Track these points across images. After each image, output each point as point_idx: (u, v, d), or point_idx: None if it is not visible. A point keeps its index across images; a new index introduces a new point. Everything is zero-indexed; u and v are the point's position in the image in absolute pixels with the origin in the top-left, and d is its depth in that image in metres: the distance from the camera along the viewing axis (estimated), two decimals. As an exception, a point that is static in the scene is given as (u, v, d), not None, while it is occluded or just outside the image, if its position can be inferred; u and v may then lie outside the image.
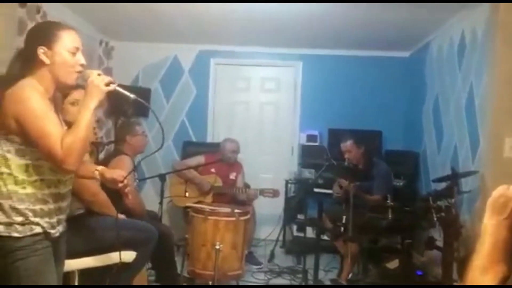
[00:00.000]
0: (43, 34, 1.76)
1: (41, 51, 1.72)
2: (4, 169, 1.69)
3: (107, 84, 1.77)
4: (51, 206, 1.77)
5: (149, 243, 2.78)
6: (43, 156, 1.69)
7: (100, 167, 2.17)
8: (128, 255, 2.64)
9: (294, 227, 5.22)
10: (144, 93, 5.58)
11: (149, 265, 3.42)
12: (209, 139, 5.75)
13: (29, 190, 1.71)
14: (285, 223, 5.17)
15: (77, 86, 2.52)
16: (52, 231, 1.78)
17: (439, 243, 3.39)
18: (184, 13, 4.33)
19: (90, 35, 5.08)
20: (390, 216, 3.41)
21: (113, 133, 5.18)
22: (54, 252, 1.84)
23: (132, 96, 1.84)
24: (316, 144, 5.39)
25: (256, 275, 4.31)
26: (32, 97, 1.65)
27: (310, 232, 4.64)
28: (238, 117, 5.86)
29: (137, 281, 2.93)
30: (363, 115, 5.50)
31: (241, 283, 3.79)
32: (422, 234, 3.81)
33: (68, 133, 1.67)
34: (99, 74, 1.77)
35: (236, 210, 3.44)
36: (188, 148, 5.47)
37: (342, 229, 3.65)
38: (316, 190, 4.81)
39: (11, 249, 1.69)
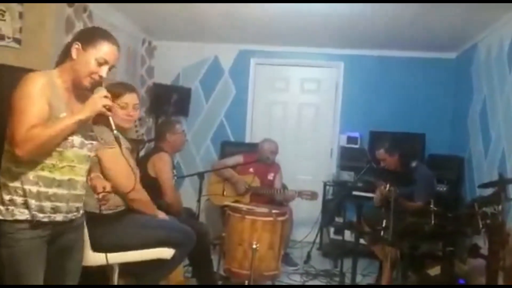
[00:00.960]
0: (86, 35, 1.88)
1: (75, 46, 1.82)
2: (7, 147, 1.77)
3: (106, 107, 1.80)
4: (42, 189, 1.79)
5: (186, 244, 2.80)
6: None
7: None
8: (167, 252, 2.68)
9: (332, 230, 5.14)
10: (185, 92, 5.66)
11: (186, 261, 3.45)
12: (247, 139, 5.75)
13: (22, 169, 1.76)
14: (323, 226, 5.11)
15: (128, 90, 2.62)
16: (41, 215, 1.79)
17: (484, 251, 3.25)
18: (225, 14, 4.35)
19: (133, 35, 5.19)
20: (432, 221, 3.29)
21: (154, 131, 5.26)
22: (58, 243, 1.88)
23: (115, 131, 1.87)
24: (357, 146, 5.29)
25: (292, 277, 4.27)
26: (30, 81, 1.73)
27: (348, 235, 4.57)
28: (277, 117, 5.83)
29: (173, 276, 2.97)
30: (406, 118, 5.35)
31: (276, 283, 3.76)
32: (465, 241, 3.67)
33: (41, 125, 1.70)
34: (105, 96, 1.81)
35: (274, 211, 3.42)
36: (227, 148, 5.48)
37: (381, 233, 3.56)
38: (355, 193, 4.72)
39: None
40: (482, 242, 3.35)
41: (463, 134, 4.88)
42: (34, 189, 1.77)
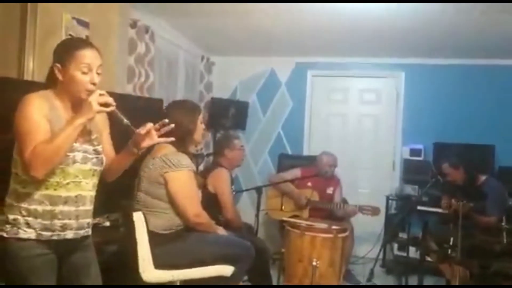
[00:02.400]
0: (60, 52, 1.84)
1: (56, 68, 1.81)
2: (14, 170, 1.81)
3: (104, 104, 1.79)
4: (47, 208, 1.79)
5: (246, 260, 2.80)
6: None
7: None
8: (227, 269, 2.68)
9: (396, 246, 4.96)
10: (242, 106, 5.71)
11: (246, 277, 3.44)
12: (305, 152, 5.70)
13: (28, 189, 1.77)
14: (386, 242, 4.94)
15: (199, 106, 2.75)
16: (46, 233, 1.79)
17: None
18: (281, 27, 4.36)
19: (192, 52, 5.32)
20: (505, 239, 3.10)
21: (212, 145, 5.34)
22: (69, 261, 1.88)
23: (125, 120, 1.85)
24: (420, 158, 5.10)
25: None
26: (29, 103, 1.73)
27: (412, 252, 4.38)
28: (336, 129, 5.74)
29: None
30: (473, 128, 5.09)
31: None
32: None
33: (43, 141, 1.70)
34: (101, 94, 1.79)
35: (334, 227, 3.36)
36: (284, 161, 5.45)
37: (449, 251, 3.39)
38: (420, 208, 4.53)
39: (2, 249, 1.77)
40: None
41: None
42: (40, 208, 1.78)
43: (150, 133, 1.92)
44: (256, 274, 3.33)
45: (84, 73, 1.80)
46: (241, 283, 3.18)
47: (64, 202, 1.83)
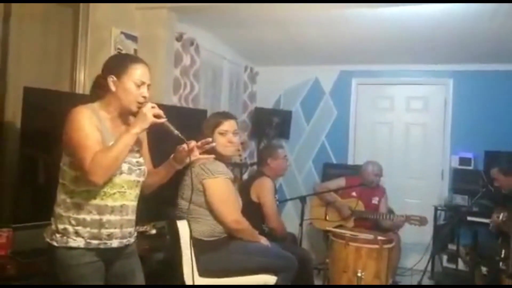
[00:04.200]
0: (115, 65, 1.93)
1: (110, 79, 1.89)
2: (61, 180, 1.88)
3: (156, 116, 1.87)
4: (95, 217, 1.85)
5: (289, 271, 2.79)
6: (77, 167, 1.80)
7: None
8: (270, 279, 2.69)
9: (445, 258, 4.80)
10: (286, 115, 5.73)
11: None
12: (350, 161, 5.63)
13: (76, 199, 1.84)
14: (434, 253, 4.79)
15: (226, 118, 2.71)
16: (94, 242, 1.85)
17: None
18: (325, 35, 4.36)
19: (236, 62, 5.40)
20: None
21: (256, 154, 5.37)
22: (113, 270, 1.94)
23: (176, 132, 1.93)
24: (470, 168, 4.92)
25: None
26: (79, 115, 1.81)
27: (462, 264, 4.23)
28: (381, 138, 5.64)
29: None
30: (526, 136, 4.88)
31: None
32: None
33: (103, 150, 1.79)
34: (153, 107, 1.88)
35: (379, 237, 3.30)
36: (329, 170, 5.41)
37: (500, 264, 3.25)
38: (470, 218, 4.37)
39: (52, 258, 1.85)
40: None
41: None
42: (88, 217, 1.85)
43: (192, 150, 2.01)
44: (300, 284, 3.31)
45: (137, 86, 1.90)
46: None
47: (111, 212, 1.89)
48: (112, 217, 1.90)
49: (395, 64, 5.37)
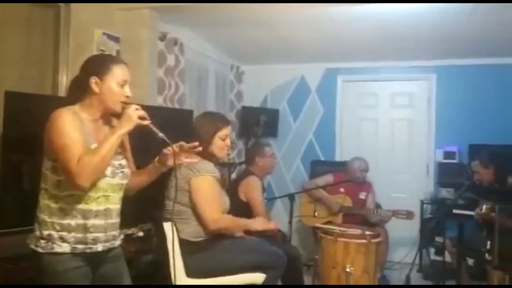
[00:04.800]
0: (97, 66, 1.90)
1: (92, 80, 1.86)
2: (43, 185, 1.85)
3: (141, 118, 1.88)
4: (80, 221, 1.83)
5: (278, 268, 2.80)
6: (61, 172, 1.78)
7: None
8: (258, 277, 2.69)
9: (432, 251, 4.86)
10: (273, 113, 5.74)
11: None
12: (337, 158, 5.66)
13: (60, 204, 1.82)
14: (422, 246, 4.84)
15: (226, 123, 2.74)
16: (80, 246, 1.83)
17: None
18: (310, 33, 4.38)
19: (222, 62, 5.39)
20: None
21: (244, 153, 5.38)
22: (98, 273, 1.92)
23: (160, 134, 1.92)
24: (455, 161, 4.99)
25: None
26: (60, 118, 1.77)
27: (449, 256, 4.28)
28: (367, 134, 5.68)
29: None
30: (509, 129, 4.94)
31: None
32: None
33: (89, 152, 1.77)
34: (137, 109, 1.88)
35: (367, 232, 3.33)
36: (317, 167, 5.43)
37: (486, 255, 3.29)
38: (455, 211, 4.42)
39: (38, 265, 1.81)
40: None
41: None
42: (73, 222, 1.82)
43: (178, 153, 2.01)
44: (289, 281, 3.33)
45: (121, 86, 1.89)
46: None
47: (95, 216, 1.87)
48: (97, 221, 1.88)
49: (379, 61, 5.42)
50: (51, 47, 3.15)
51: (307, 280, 3.55)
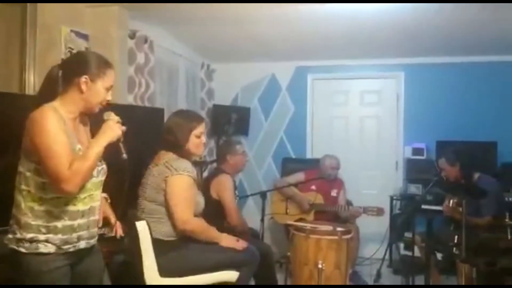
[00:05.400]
0: (90, 66, 1.86)
1: (83, 79, 1.83)
2: (24, 187, 1.79)
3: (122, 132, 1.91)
4: (67, 223, 1.82)
5: (250, 265, 2.81)
6: (46, 176, 1.75)
7: None
8: (231, 275, 2.69)
9: (401, 246, 4.96)
10: (244, 112, 5.75)
11: (252, 282, 3.45)
12: (308, 155, 5.72)
13: (46, 207, 1.79)
14: (391, 242, 4.94)
15: (201, 120, 2.74)
16: (65, 246, 1.83)
17: None
18: (280, 32, 4.39)
19: (192, 59, 5.35)
20: (509, 236, 3.09)
21: (215, 152, 5.37)
22: (77, 269, 1.91)
23: (124, 155, 1.93)
24: (423, 157, 5.10)
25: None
26: (46, 121, 1.73)
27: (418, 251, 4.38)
28: (338, 132, 5.75)
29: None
30: (475, 126, 5.10)
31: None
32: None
33: (78, 159, 1.76)
34: (118, 122, 1.91)
35: (338, 229, 3.36)
36: (288, 165, 5.48)
37: (454, 249, 3.38)
38: (424, 206, 4.52)
39: (19, 264, 1.78)
40: None
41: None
42: (59, 224, 1.81)
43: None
44: (262, 278, 3.35)
45: (107, 90, 1.90)
46: None
47: (82, 216, 1.88)
48: (82, 221, 1.88)
49: (349, 59, 5.49)
50: (17, 44, 3.06)
51: (280, 277, 3.57)
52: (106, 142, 1.85)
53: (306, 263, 3.23)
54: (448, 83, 5.30)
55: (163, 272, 2.51)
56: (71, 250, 1.85)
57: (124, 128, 1.92)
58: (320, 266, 3.12)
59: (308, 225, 3.49)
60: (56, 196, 1.79)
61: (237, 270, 2.72)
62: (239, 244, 2.84)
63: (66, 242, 1.83)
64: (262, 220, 4.01)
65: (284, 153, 5.76)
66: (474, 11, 3.65)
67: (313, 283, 3.15)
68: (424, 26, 4.12)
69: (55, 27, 3.24)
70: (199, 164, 4.41)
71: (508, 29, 4.10)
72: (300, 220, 4.17)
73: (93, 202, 1.93)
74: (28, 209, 1.78)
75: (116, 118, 1.92)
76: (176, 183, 2.54)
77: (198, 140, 2.72)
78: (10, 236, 1.81)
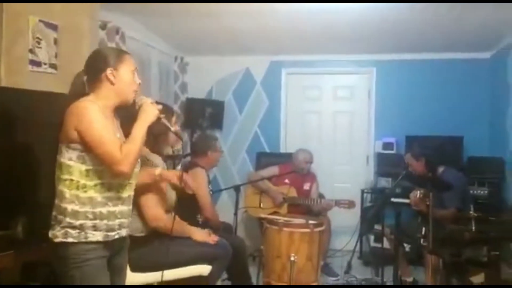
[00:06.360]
0: (110, 58, 1.94)
1: (109, 72, 1.91)
2: (67, 176, 1.85)
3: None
4: (111, 208, 1.90)
5: (223, 259, 2.83)
6: (101, 161, 1.84)
7: (158, 170, 2.41)
8: (204, 269, 2.71)
9: (372, 238, 5.07)
10: (218, 105, 5.74)
11: (225, 275, 3.47)
12: (282, 150, 5.76)
13: (90, 193, 1.85)
14: (362, 234, 5.05)
15: (173, 112, 2.74)
16: (111, 233, 1.90)
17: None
18: (254, 26, 4.40)
19: (165, 52, 5.31)
20: (473, 227, 3.20)
21: (190, 146, 5.35)
22: (113, 262, 1.96)
23: (172, 128, 2.13)
24: (393, 152, 5.21)
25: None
26: (91, 111, 1.82)
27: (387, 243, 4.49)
28: (311, 126, 5.81)
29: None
30: (442, 121, 5.24)
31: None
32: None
33: (127, 142, 1.88)
34: (151, 103, 1.99)
35: (311, 221, 3.41)
36: (262, 159, 5.50)
37: (421, 241, 3.48)
38: (393, 199, 4.62)
39: (65, 256, 1.82)
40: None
41: (502, 135, 4.74)
42: (104, 210, 1.87)
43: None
44: (235, 271, 3.37)
45: (133, 73, 1.98)
46: (220, 281, 3.23)
47: (122, 203, 1.95)
48: (123, 208, 1.95)
49: (323, 54, 5.54)
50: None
51: (253, 270, 3.60)
52: (147, 124, 1.94)
53: (279, 255, 3.27)
54: (417, 79, 5.42)
55: (135, 267, 2.51)
56: (116, 237, 1.92)
57: (160, 106, 2.00)
58: (292, 258, 3.17)
59: (281, 219, 3.53)
60: (100, 183, 1.86)
61: (209, 264, 2.74)
62: (211, 238, 2.86)
63: (111, 229, 1.89)
64: (236, 214, 4.03)
65: (258, 147, 5.78)
66: (444, 11, 3.75)
67: (286, 275, 3.20)
68: (395, 24, 4.21)
69: (22, 17, 3.15)
70: (172, 158, 4.38)
71: (474, 28, 4.24)
72: (274, 213, 4.21)
73: (131, 191, 2.01)
74: (74, 197, 1.84)
75: (149, 99, 1.99)
76: (144, 179, 2.53)
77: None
78: (55, 230, 1.85)
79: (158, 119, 1.99)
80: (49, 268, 2.12)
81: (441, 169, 3.94)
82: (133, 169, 1.89)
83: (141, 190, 2.54)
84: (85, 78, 1.94)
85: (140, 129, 1.91)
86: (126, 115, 2.05)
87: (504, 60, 4.71)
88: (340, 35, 4.65)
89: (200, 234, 2.83)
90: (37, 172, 2.66)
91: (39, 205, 2.56)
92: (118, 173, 1.85)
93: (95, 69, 1.93)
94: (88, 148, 1.82)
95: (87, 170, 1.84)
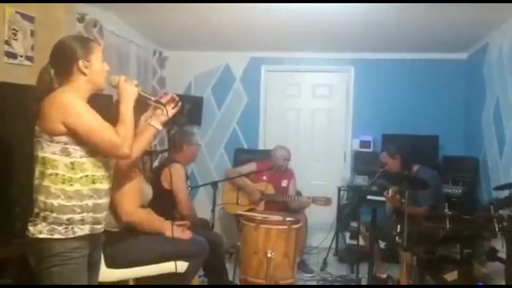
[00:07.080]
0: (80, 49, 1.90)
1: (81, 64, 1.88)
2: (52, 170, 1.81)
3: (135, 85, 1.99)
4: (96, 201, 1.88)
5: (199, 255, 2.82)
6: (100, 149, 1.84)
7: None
8: (180, 266, 2.68)
9: (348, 235, 5.12)
10: (197, 101, 5.70)
11: (202, 272, 3.46)
12: (260, 146, 5.76)
13: (76, 187, 1.83)
14: (338, 231, 5.09)
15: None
16: (97, 226, 1.90)
17: (502, 254, 3.20)
18: (235, 22, 4.37)
19: (144, 46, 5.23)
20: (447, 225, 3.25)
21: (167, 141, 5.30)
22: (91, 258, 1.93)
23: (153, 98, 2.10)
24: (370, 150, 5.27)
25: (309, 284, 4.25)
26: (75, 102, 1.81)
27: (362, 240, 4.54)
28: (290, 124, 5.83)
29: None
30: (419, 120, 5.33)
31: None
32: (484, 243, 3.61)
33: (120, 125, 1.87)
34: (125, 80, 1.97)
35: (288, 218, 3.43)
36: (240, 156, 5.49)
37: (396, 238, 3.53)
38: (369, 197, 4.68)
39: (49, 254, 1.78)
40: (500, 245, 3.31)
41: (477, 135, 4.83)
42: (90, 202, 1.85)
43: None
44: (212, 268, 3.37)
45: (101, 61, 1.95)
46: (197, 278, 3.21)
47: (105, 195, 1.93)
48: (105, 200, 1.93)
49: (302, 52, 5.56)
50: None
51: (229, 267, 3.60)
52: (132, 101, 1.93)
53: (256, 252, 3.27)
54: (395, 79, 5.49)
55: (110, 263, 2.48)
56: (102, 230, 1.94)
57: (136, 81, 1.99)
58: (269, 255, 3.17)
59: (258, 215, 3.53)
60: (85, 175, 1.84)
61: (186, 261, 2.72)
62: (185, 234, 2.83)
63: (97, 222, 1.89)
64: (213, 210, 4.02)
65: (236, 144, 5.77)
66: (421, 11, 3.79)
67: (262, 272, 3.20)
68: (374, 24, 4.25)
69: (-2, 7, 3.08)
70: (149, 154, 4.34)
71: (451, 29, 4.30)
72: (251, 210, 4.21)
73: (110, 183, 1.97)
74: (60, 192, 1.81)
75: (123, 77, 1.97)
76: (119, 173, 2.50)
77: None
78: (38, 226, 1.80)
79: (139, 96, 1.99)
80: (20, 265, 2.06)
81: (415, 168, 4.00)
82: (130, 150, 1.88)
83: (115, 184, 2.50)
84: (52, 71, 1.89)
85: (127, 109, 1.91)
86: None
87: (481, 61, 4.80)
88: (319, 33, 4.67)
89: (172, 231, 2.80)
90: (8, 166, 2.60)
91: (9, 200, 2.51)
92: (121, 156, 1.88)
93: (65, 61, 1.88)
94: (80, 140, 1.80)
95: (72, 163, 1.81)
